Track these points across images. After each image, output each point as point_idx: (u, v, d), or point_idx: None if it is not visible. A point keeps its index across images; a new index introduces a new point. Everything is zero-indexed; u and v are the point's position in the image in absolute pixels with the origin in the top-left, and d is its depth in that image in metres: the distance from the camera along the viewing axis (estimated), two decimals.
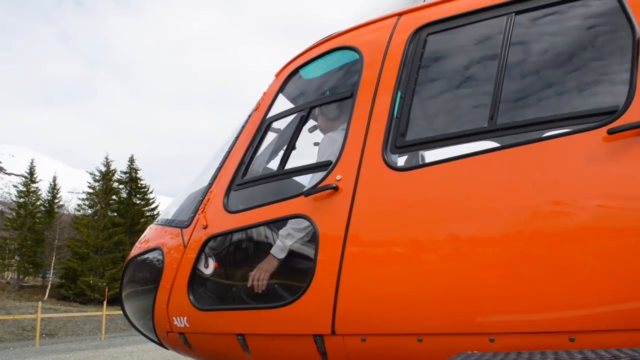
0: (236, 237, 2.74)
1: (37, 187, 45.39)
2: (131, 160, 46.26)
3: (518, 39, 2.17)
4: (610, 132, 1.71)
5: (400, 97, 2.28)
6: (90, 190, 44.34)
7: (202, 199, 2.84)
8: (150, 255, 3.09)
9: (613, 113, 1.77)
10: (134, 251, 3.30)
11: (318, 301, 2.15)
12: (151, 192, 47.06)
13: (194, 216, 2.81)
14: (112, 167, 44.74)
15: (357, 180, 2.20)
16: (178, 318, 2.71)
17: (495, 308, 1.83)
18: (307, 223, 2.34)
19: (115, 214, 44.55)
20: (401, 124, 2.23)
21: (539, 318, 1.75)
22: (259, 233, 2.72)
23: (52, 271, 41.13)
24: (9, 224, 41.62)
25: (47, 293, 38.25)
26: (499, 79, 2.05)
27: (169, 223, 3.07)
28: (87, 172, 47.00)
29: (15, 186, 48.57)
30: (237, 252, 2.83)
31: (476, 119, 2.29)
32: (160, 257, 2.91)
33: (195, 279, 2.69)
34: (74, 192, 52.78)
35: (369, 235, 2.14)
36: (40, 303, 21.68)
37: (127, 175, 45.87)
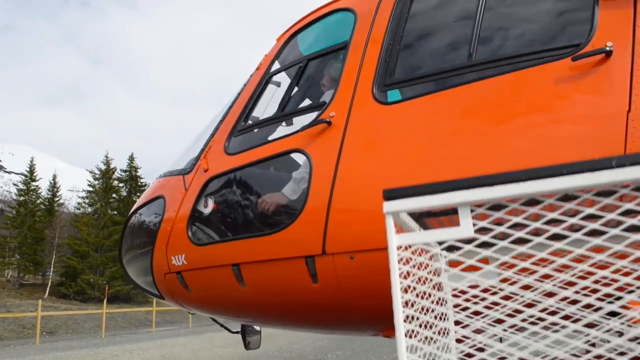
0: (236, 175, 2.90)
1: (37, 186, 45.37)
2: (131, 159, 46.34)
3: None
4: (574, 59, 1.97)
5: (389, 43, 2.50)
6: (90, 189, 44.37)
7: (203, 147, 2.99)
8: (151, 205, 3.21)
9: (578, 46, 2.01)
10: (136, 205, 3.41)
11: (310, 223, 2.29)
12: None
13: (195, 163, 2.96)
14: (112, 166, 44.80)
15: (348, 115, 2.41)
16: (176, 257, 2.81)
17: None
18: None
19: (115, 212, 44.56)
20: (390, 66, 2.45)
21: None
22: (258, 170, 2.92)
23: (52, 269, 41.15)
24: (9, 222, 41.59)
25: (47, 291, 38.28)
26: (477, 20, 2.29)
27: (170, 173, 3.20)
28: (87, 170, 46.96)
29: (15, 184, 48.35)
30: (237, 188, 2.97)
31: (457, 57, 2.50)
32: (161, 204, 3.04)
33: (195, 218, 2.83)
34: (74, 190, 52.83)
35: (358, 160, 2.31)
36: (40, 301, 21.71)
37: (127, 173, 45.92)
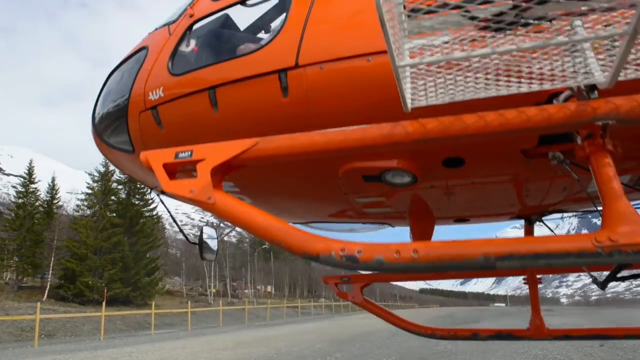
0: (221, 14, 3.06)
1: (36, 188, 45.34)
2: None
3: None
4: None
5: None
6: (89, 191, 44.34)
7: (191, 2, 3.12)
8: (133, 56, 3.24)
9: None
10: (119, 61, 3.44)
11: (286, 41, 2.48)
12: (150, 193, 46.93)
13: (182, 13, 3.06)
14: (111, 168, 44.73)
15: None
16: (154, 91, 2.87)
17: None
18: None
19: (114, 215, 44.56)
20: None
21: None
22: (243, 6, 3.05)
23: (50, 272, 41.05)
24: (7, 224, 41.51)
25: (45, 294, 38.17)
26: None
27: (156, 28, 3.26)
28: (86, 172, 46.96)
29: (14, 187, 48.41)
30: (221, 24, 3.16)
31: None
32: (144, 53, 3.09)
33: (177, 54, 2.93)
34: (72, 192, 52.77)
35: None
36: (39, 304, 21.70)
37: (126, 175, 45.81)
